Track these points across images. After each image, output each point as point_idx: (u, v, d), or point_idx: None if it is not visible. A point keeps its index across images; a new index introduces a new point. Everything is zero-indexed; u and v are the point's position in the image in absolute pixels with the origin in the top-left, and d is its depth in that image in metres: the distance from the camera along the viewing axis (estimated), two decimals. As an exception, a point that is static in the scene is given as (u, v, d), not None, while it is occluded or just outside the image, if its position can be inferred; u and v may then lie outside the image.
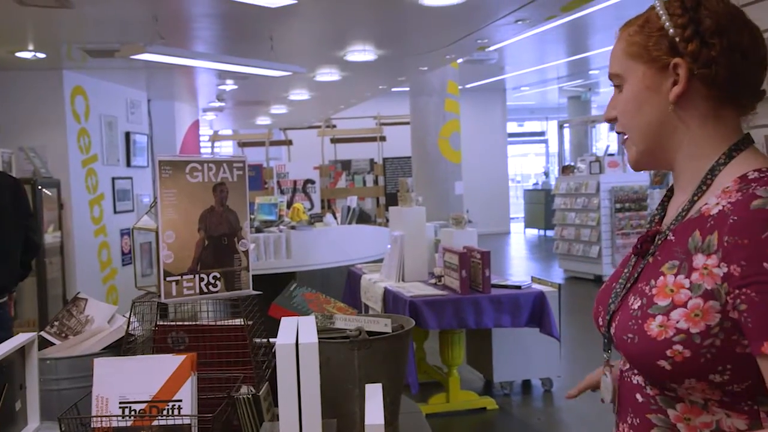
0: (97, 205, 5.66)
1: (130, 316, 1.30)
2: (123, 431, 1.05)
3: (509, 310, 3.50)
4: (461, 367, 3.90)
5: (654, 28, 0.86)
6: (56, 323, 1.46)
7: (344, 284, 4.66)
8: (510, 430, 3.67)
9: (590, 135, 13.64)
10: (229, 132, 12.72)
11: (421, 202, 4.15)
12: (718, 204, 0.80)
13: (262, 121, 10.50)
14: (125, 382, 1.06)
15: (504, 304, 3.49)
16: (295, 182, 8.79)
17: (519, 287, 3.63)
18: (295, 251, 5.13)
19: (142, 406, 1.05)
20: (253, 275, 1.32)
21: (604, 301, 0.93)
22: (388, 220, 5.99)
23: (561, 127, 12.26)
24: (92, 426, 1.06)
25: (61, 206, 5.11)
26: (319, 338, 1.03)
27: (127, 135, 6.20)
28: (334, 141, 10.52)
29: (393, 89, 7.94)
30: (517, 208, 16.02)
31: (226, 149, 14.43)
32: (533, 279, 4.08)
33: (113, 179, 5.91)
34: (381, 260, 4.42)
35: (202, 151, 10.36)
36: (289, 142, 11.18)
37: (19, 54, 4.65)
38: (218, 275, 1.27)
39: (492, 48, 8.17)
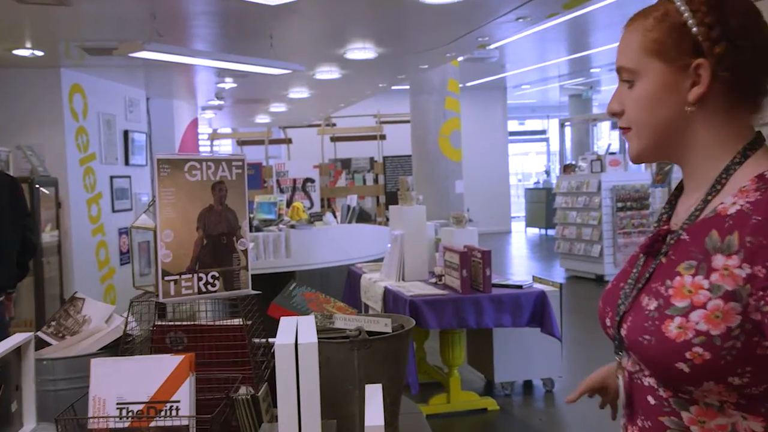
0: (95, 203, 5.65)
1: (127, 315, 1.30)
2: (120, 432, 1.04)
3: (510, 310, 3.49)
4: (462, 367, 3.90)
5: (674, 24, 0.83)
6: (53, 323, 1.46)
7: (344, 284, 4.65)
8: (511, 431, 3.67)
9: (591, 133, 13.64)
10: (228, 130, 12.72)
11: (422, 201, 4.15)
12: (735, 203, 0.79)
13: (262, 119, 10.50)
14: (123, 382, 1.06)
15: (505, 304, 3.49)
16: (294, 181, 8.79)
17: (520, 287, 3.63)
18: (294, 250, 5.13)
19: (140, 407, 1.05)
20: (252, 275, 1.32)
21: (611, 302, 0.92)
22: (388, 219, 5.98)
23: (562, 125, 12.26)
24: (89, 427, 1.05)
25: (59, 205, 5.11)
26: (318, 338, 1.02)
27: (126, 133, 6.20)
28: (333, 139, 10.52)
29: (393, 87, 7.93)
30: (518, 206, 16.02)
31: (225, 148, 14.43)
32: (534, 278, 4.07)
33: (111, 178, 5.91)
34: (381, 259, 4.42)
35: (201, 149, 10.35)
36: (288, 141, 11.18)
37: (16, 51, 4.64)
38: (217, 275, 1.26)
39: (493, 46, 8.17)
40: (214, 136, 11.48)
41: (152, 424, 1.04)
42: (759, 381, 0.76)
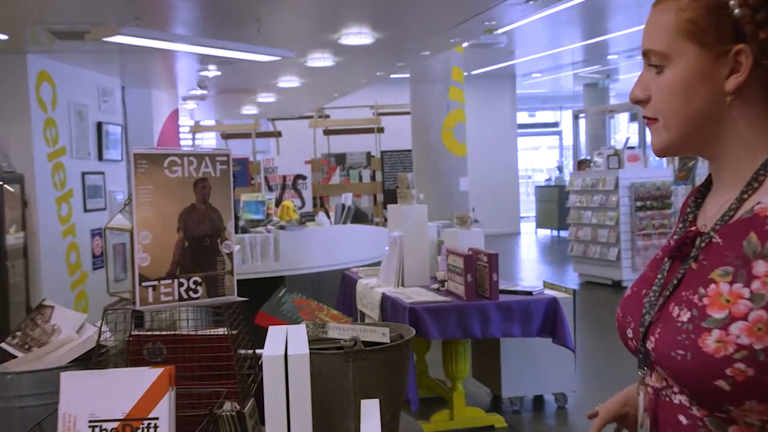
0: (66, 202, 5.64)
1: (101, 325, 1.30)
2: (93, 452, 1.04)
3: (519, 319, 3.50)
4: (466, 380, 3.90)
5: (713, 4, 0.81)
6: (19, 333, 1.46)
7: (338, 290, 4.66)
8: (520, 450, 3.68)
9: (608, 126, 13.67)
10: (211, 123, 12.72)
11: (423, 200, 4.15)
12: None
13: (248, 110, 10.50)
14: (96, 398, 1.06)
15: (513, 312, 3.49)
16: (284, 178, 8.80)
17: (530, 293, 3.64)
18: (284, 253, 5.13)
19: (115, 424, 1.05)
20: (238, 280, 1.32)
21: (633, 311, 0.91)
22: (386, 220, 5.99)
23: (576, 117, 12.27)
24: (59, 446, 1.05)
25: (25, 204, 5.10)
26: (310, 349, 1.03)
27: (99, 125, 6.19)
28: (327, 133, 10.53)
29: (392, 76, 7.94)
30: (527, 206, 16.06)
31: (209, 141, 14.43)
32: (545, 284, 4.08)
33: (83, 174, 5.90)
34: (378, 263, 4.43)
35: (182, 143, 10.35)
36: (277, 134, 11.19)
37: (-22, 36, 4.63)
38: (199, 280, 1.26)
39: (500, 31, 8.17)
40: (196, 128, 11.48)
41: (128, 443, 1.04)
42: None
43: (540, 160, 19.39)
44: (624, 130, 15.41)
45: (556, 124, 18.32)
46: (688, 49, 0.83)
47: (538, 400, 4.25)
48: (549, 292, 3.74)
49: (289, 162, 8.97)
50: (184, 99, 8.87)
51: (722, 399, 0.77)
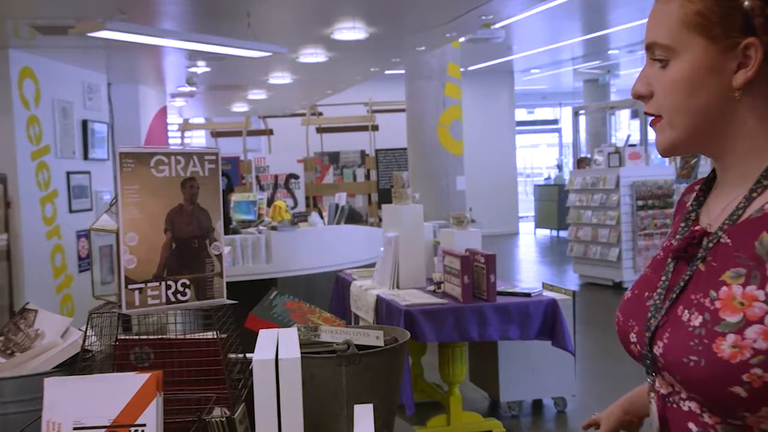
0: (50, 203, 5.62)
1: (86, 329, 1.29)
2: (78, 460, 1.04)
3: (517, 321, 3.51)
4: (463, 385, 3.91)
5: None
6: (1, 338, 1.45)
7: (331, 292, 4.66)
8: (519, 456, 3.68)
9: (609, 123, 13.72)
10: (201, 120, 12.69)
11: (418, 199, 4.15)
12: None
13: (239, 108, 10.48)
14: (81, 404, 1.06)
15: (512, 314, 3.50)
16: (276, 177, 8.79)
17: (528, 295, 3.65)
18: (276, 255, 5.13)
19: (101, 431, 1.04)
20: (227, 282, 1.32)
21: (636, 315, 0.90)
22: (380, 220, 5.99)
23: (576, 114, 12.31)
24: (43, 454, 1.05)
25: (8, 205, 5.08)
26: (302, 353, 1.03)
27: (84, 123, 6.17)
28: (320, 130, 10.53)
29: (386, 72, 7.94)
30: (526, 205, 16.09)
31: (198, 140, 14.41)
32: (544, 285, 4.09)
33: (68, 174, 5.88)
34: (373, 265, 4.43)
35: (171, 142, 10.33)
36: (269, 132, 11.18)
37: (-41, 31, 4.61)
38: (188, 282, 1.26)
39: (498, 25, 8.19)
40: (185, 126, 11.45)
41: (114, 450, 1.04)
42: None
43: (539, 158, 19.44)
44: (625, 128, 15.47)
45: (555, 122, 18.37)
46: (695, 42, 0.82)
47: (537, 405, 4.26)
48: (548, 294, 3.75)
49: (281, 161, 8.97)
50: (173, 96, 8.85)
51: (738, 406, 0.76)
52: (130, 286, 1.21)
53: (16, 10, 4.31)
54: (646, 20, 0.89)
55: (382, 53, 6.43)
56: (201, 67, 6.47)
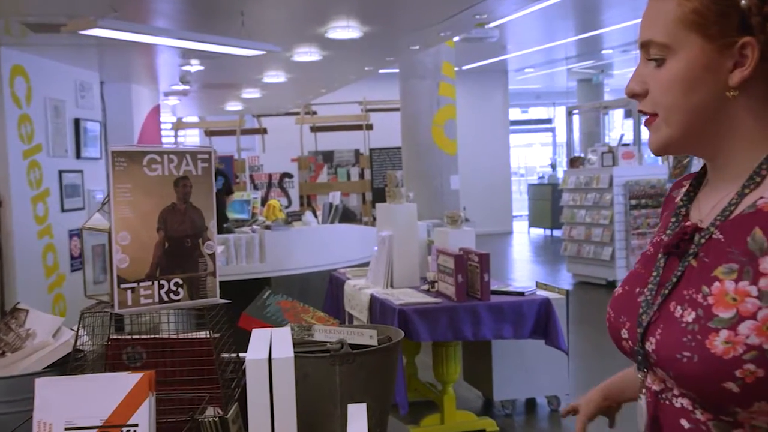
0: (42, 202, 5.59)
1: (78, 329, 1.29)
2: (70, 461, 1.03)
3: (511, 320, 3.51)
4: (457, 384, 3.91)
5: None
6: (-7, 337, 1.44)
7: (325, 291, 4.65)
8: (512, 454, 3.69)
9: (602, 123, 13.74)
10: (194, 119, 12.65)
11: (413, 199, 4.15)
12: None
13: (233, 106, 10.45)
14: (72, 404, 1.05)
15: (505, 313, 3.51)
16: (270, 176, 8.78)
17: (522, 294, 3.65)
18: (269, 254, 5.12)
19: (93, 431, 1.04)
20: (221, 281, 1.31)
21: (627, 311, 0.90)
22: (374, 219, 5.99)
23: (570, 113, 12.35)
24: (35, 455, 1.04)
25: None
26: (295, 352, 1.03)
27: (77, 122, 6.14)
28: (314, 129, 10.52)
29: (380, 71, 7.94)
30: (520, 204, 16.13)
31: (192, 139, 14.36)
32: (538, 284, 4.10)
33: (60, 173, 5.85)
34: (367, 264, 4.43)
35: (164, 140, 10.29)
36: (263, 131, 11.15)
37: (-50, 28, 4.58)
38: (180, 282, 1.26)
39: (492, 24, 8.20)
40: (178, 125, 11.42)
41: (106, 450, 1.03)
42: None
43: (533, 157, 19.48)
44: (618, 127, 15.51)
45: (549, 121, 18.41)
46: (692, 41, 0.82)
47: (531, 404, 4.27)
48: (542, 293, 3.76)
49: (275, 160, 8.95)
50: (166, 94, 8.82)
51: (730, 401, 0.76)
52: (122, 286, 1.20)
53: (7, 8, 4.28)
54: (639, 20, 0.89)
55: (376, 52, 6.43)
56: (194, 66, 6.45)
